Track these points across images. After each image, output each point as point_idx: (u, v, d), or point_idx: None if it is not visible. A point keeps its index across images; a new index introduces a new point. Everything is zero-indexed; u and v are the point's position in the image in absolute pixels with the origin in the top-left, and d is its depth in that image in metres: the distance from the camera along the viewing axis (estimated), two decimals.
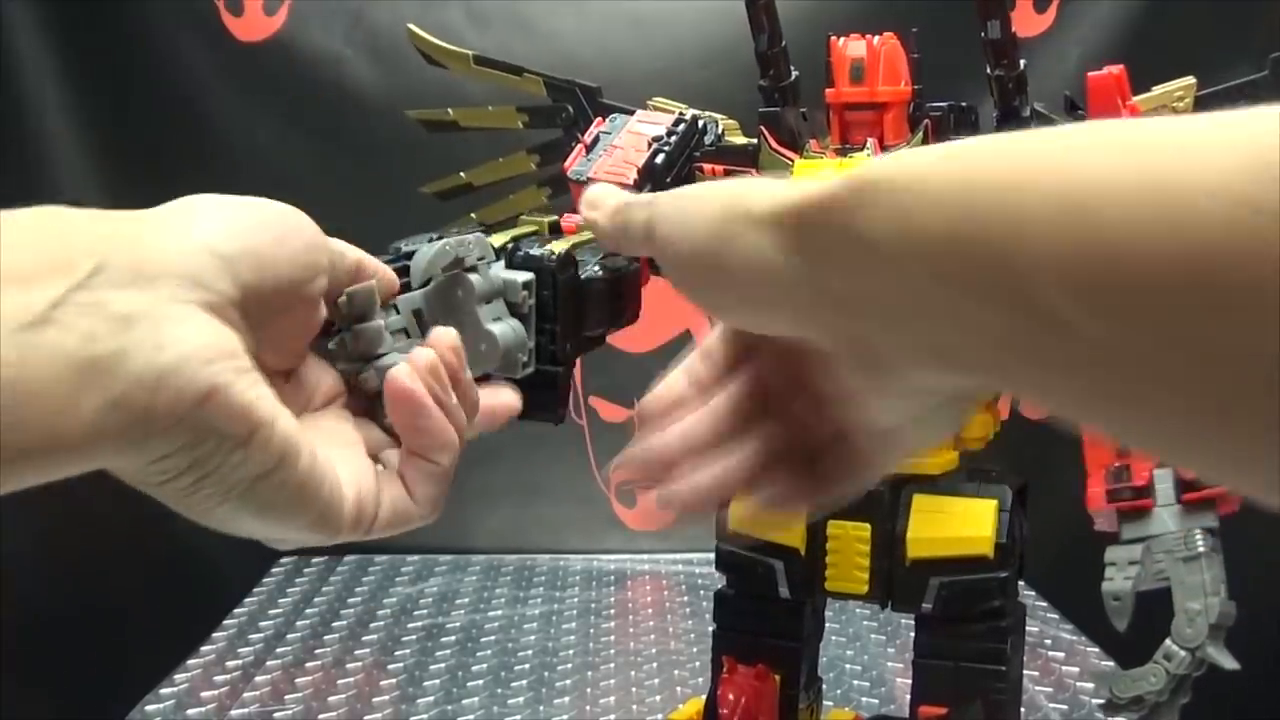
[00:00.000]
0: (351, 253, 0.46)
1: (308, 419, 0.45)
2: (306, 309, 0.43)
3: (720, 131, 0.79)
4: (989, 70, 0.69)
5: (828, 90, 0.70)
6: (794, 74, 0.75)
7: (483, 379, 0.51)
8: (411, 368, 0.43)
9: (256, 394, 0.38)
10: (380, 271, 0.48)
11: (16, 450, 0.33)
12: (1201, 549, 0.66)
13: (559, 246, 0.58)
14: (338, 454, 0.43)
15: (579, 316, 0.57)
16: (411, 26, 0.87)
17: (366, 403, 0.48)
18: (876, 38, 0.69)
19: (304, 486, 0.40)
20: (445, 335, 0.45)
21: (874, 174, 0.35)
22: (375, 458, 0.46)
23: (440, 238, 0.53)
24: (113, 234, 0.36)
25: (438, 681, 1.23)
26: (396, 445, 0.46)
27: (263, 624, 1.39)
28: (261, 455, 0.38)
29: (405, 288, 0.51)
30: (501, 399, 0.51)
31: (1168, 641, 0.66)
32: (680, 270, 0.44)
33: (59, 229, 0.36)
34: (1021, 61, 0.68)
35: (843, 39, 0.69)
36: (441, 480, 0.45)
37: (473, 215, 0.87)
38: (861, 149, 0.67)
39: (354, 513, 0.42)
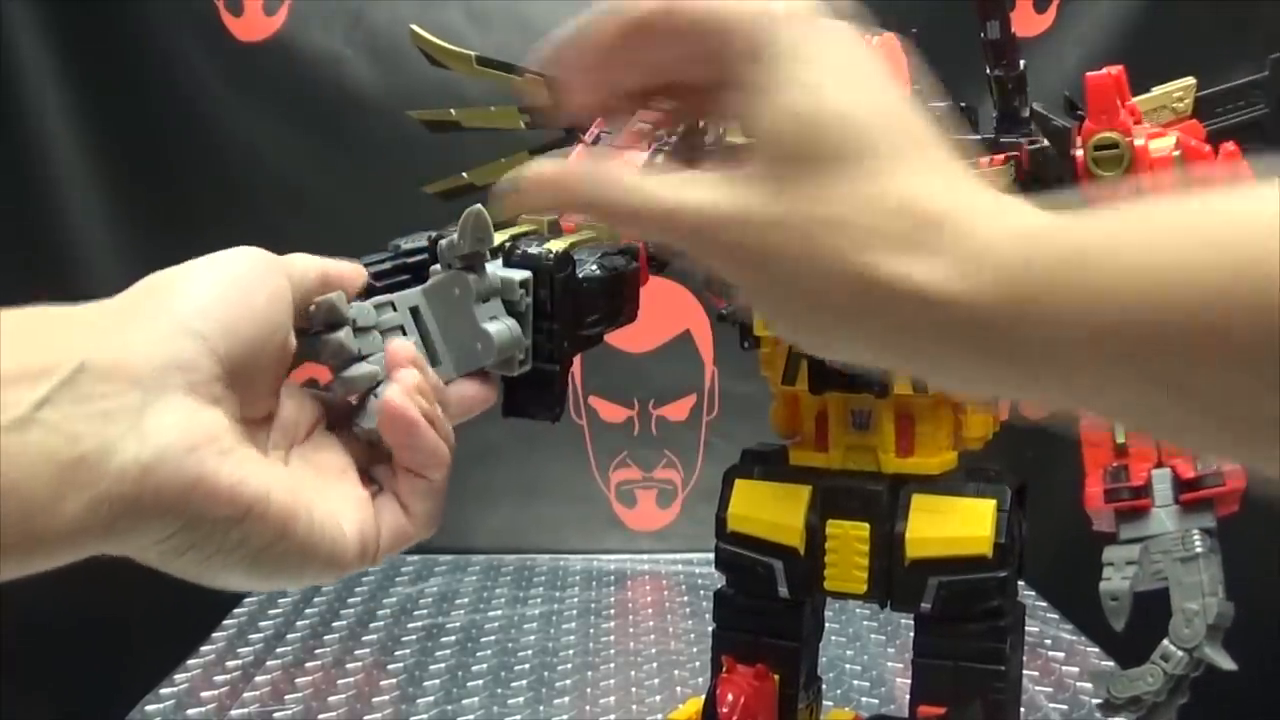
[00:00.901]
0: (313, 267, 0.46)
1: (299, 454, 0.45)
2: (279, 353, 0.43)
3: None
4: (988, 70, 0.69)
5: None
6: None
7: (477, 374, 0.51)
8: (402, 388, 0.43)
9: (244, 473, 0.38)
10: (344, 277, 0.47)
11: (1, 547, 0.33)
12: (1199, 549, 0.66)
13: (557, 245, 0.58)
14: (334, 491, 0.43)
15: (576, 315, 0.57)
16: (414, 27, 0.87)
17: (341, 414, 0.48)
18: (875, 38, 0.69)
19: (306, 545, 0.40)
20: (404, 349, 0.45)
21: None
22: (366, 473, 0.46)
23: (440, 237, 0.53)
24: (94, 330, 0.37)
25: (438, 681, 1.23)
26: (381, 459, 0.47)
27: (263, 624, 1.39)
28: (259, 530, 0.38)
29: (404, 284, 0.51)
30: (478, 390, 0.51)
31: (1165, 642, 0.66)
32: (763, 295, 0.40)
33: (42, 329, 0.36)
34: (1021, 62, 0.68)
35: None
36: (437, 496, 0.45)
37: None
38: None
39: (358, 549, 0.43)
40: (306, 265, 0.46)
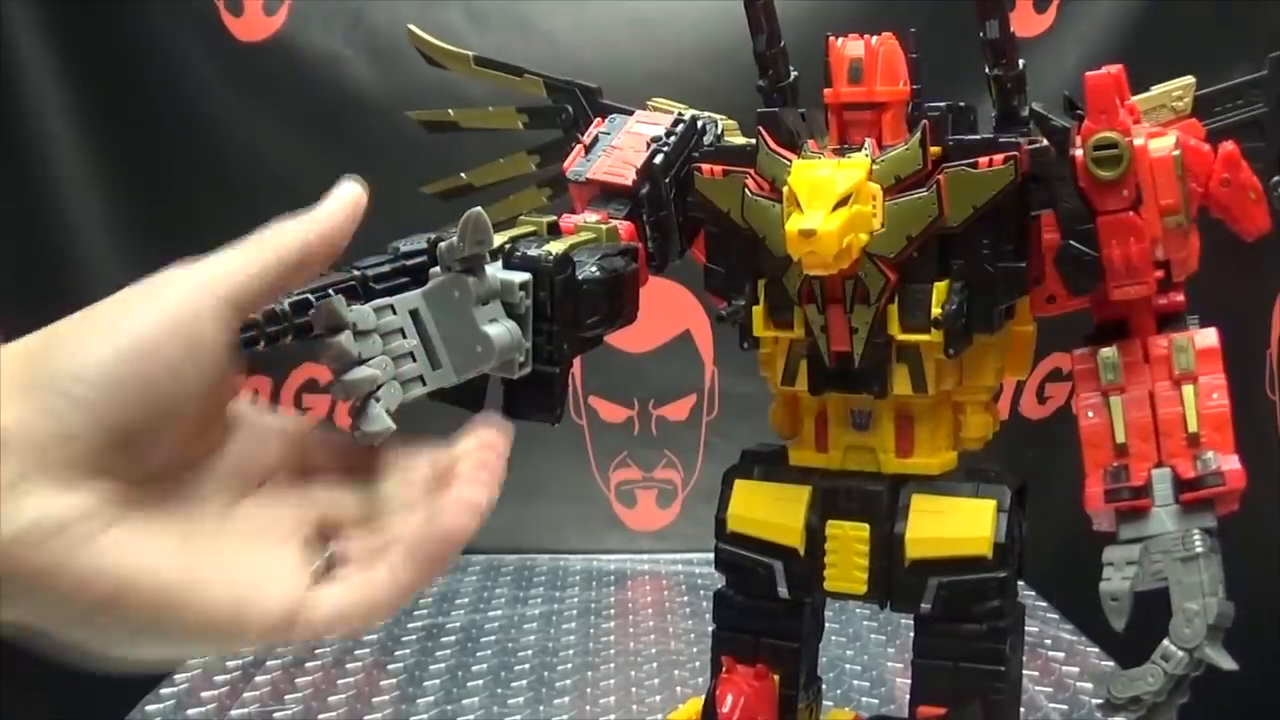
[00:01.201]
0: (286, 243, 0.43)
1: (250, 505, 0.44)
2: (206, 392, 0.41)
3: (719, 132, 0.79)
4: (988, 70, 0.69)
5: (826, 90, 0.70)
6: (793, 74, 0.75)
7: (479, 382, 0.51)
8: (493, 480, 0.44)
9: (118, 554, 0.37)
10: (335, 228, 0.45)
11: None
12: (1199, 549, 0.65)
13: (556, 247, 0.58)
14: (267, 556, 0.42)
15: (576, 317, 0.57)
16: (412, 27, 0.87)
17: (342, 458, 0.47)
18: (875, 38, 0.69)
19: (199, 620, 0.39)
20: (497, 431, 0.45)
21: None
22: (333, 529, 0.45)
23: (439, 239, 0.53)
24: None
25: (438, 681, 1.23)
26: (371, 515, 0.46)
27: None
28: (131, 612, 0.37)
29: (403, 287, 0.51)
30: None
31: (1166, 642, 0.65)
32: None
33: None
34: (1020, 61, 0.68)
35: (841, 39, 0.69)
36: (406, 593, 0.43)
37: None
38: (860, 149, 0.67)
39: (279, 621, 0.41)
40: (277, 246, 0.43)
